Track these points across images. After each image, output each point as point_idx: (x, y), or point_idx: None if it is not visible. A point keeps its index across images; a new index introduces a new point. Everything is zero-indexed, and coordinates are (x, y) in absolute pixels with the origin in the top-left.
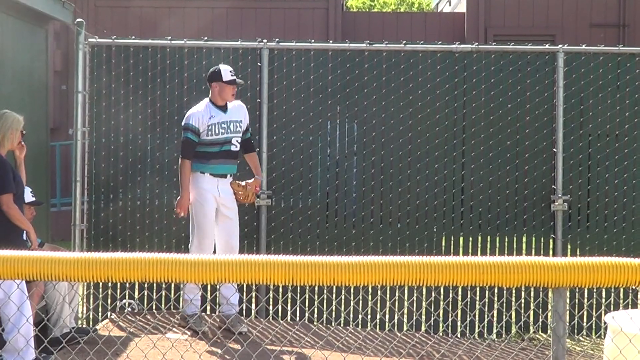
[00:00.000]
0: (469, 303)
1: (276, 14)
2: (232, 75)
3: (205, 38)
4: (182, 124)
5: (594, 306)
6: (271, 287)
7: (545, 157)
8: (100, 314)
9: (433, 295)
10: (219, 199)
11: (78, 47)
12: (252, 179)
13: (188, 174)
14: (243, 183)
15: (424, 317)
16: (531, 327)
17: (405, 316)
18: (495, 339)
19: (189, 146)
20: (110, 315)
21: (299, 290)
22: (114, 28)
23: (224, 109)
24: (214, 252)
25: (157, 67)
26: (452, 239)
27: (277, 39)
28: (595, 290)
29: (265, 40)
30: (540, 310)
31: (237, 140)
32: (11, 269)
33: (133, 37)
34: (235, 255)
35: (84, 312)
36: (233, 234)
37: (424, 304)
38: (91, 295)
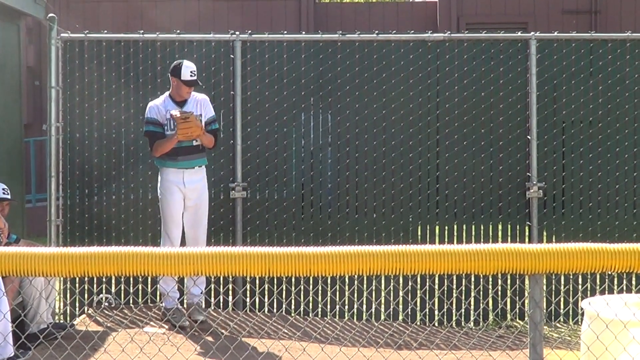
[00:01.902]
0: (445, 291)
1: (248, 6)
2: (191, 75)
3: (178, 31)
4: (145, 117)
5: (571, 292)
6: (248, 279)
7: (520, 145)
8: (77, 309)
9: (410, 284)
10: (184, 190)
11: (50, 43)
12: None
13: (162, 141)
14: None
15: (401, 306)
16: (508, 315)
17: (383, 306)
18: (473, 327)
19: (154, 137)
20: (87, 310)
21: (275, 282)
22: (86, 23)
23: (180, 104)
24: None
25: (130, 61)
26: (428, 228)
27: (249, 31)
28: (571, 276)
29: (237, 33)
30: (517, 297)
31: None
32: None
33: (105, 31)
34: (211, 247)
35: (61, 307)
36: (200, 225)
37: (400, 293)
38: (68, 290)
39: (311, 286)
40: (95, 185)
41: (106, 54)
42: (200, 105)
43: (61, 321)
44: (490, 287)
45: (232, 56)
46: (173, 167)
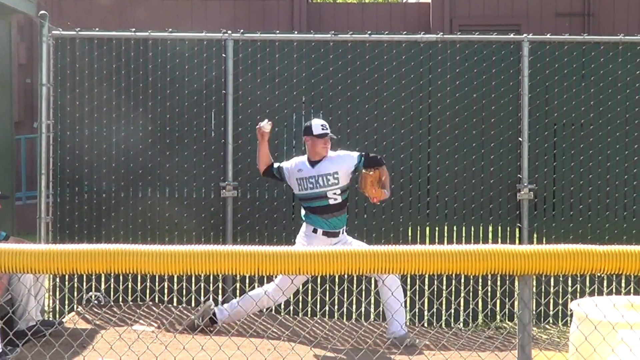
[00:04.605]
0: (435, 292)
1: (241, 5)
2: (323, 129)
3: (170, 30)
4: None
5: (560, 294)
6: (237, 277)
7: (511, 146)
8: (66, 306)
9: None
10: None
11: (42, 40)
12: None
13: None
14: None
15: None
16: (497, 316)
17: (372, 306)
18: (462, 328)
19: (268, 170)
20: (77, 307)
21: (265, 281)
22: (78, 20)
23: (313, 163)
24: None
25: (122, 59)
26: (419, 229)
27: (241, 30)
28: (561, 277)
29: (229, 32)
30: (507, 298)
31: (334, 193)
32: None
33: (97, 29)
34: (200, 245)
35: (50, 304)
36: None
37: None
38: (57, 288)
39: (300, 285)
40: (85, 182)
41: (98, 52)
42: (333, 162)
43: (50, 318)
44: (479, 288)
45: (224, 55)
46: (311, 226)
